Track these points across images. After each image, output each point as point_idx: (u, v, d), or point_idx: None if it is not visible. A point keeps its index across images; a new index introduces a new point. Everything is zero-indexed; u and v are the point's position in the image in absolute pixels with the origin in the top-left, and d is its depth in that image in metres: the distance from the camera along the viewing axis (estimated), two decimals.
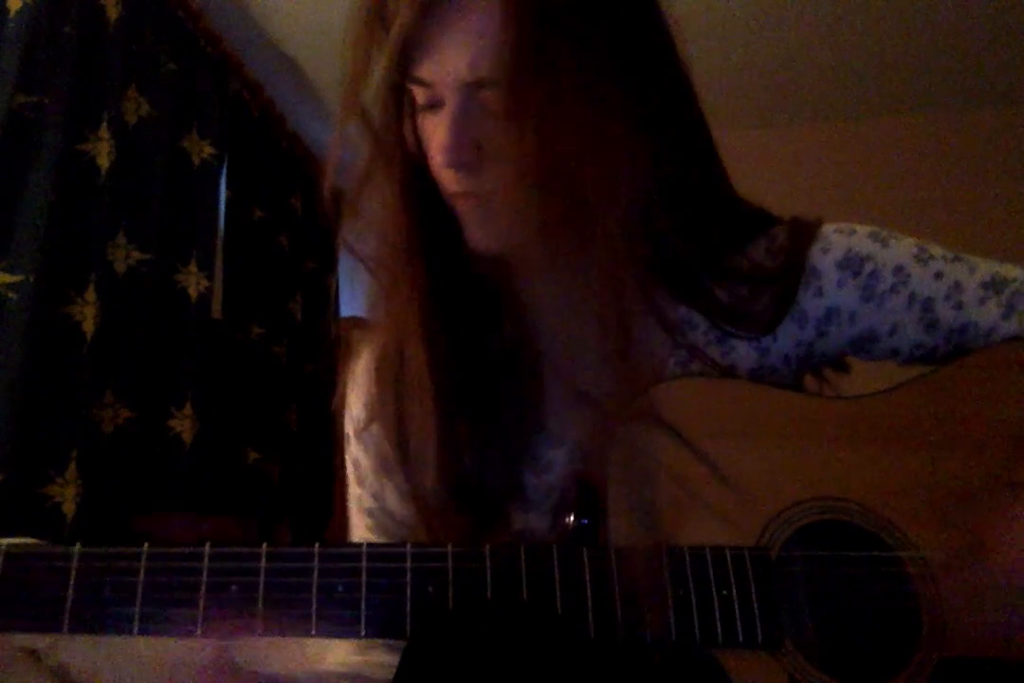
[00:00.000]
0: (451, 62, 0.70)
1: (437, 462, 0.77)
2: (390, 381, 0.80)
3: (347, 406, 0.89)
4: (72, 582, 0.63)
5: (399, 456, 0.80)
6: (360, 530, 0.88)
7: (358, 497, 0.89)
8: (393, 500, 0.86)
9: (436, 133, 0.74)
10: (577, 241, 0.72)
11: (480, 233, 0.76)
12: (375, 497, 0.87)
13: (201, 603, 0.63)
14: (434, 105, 0.74)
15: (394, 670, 0.85)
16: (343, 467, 0.92)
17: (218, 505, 2.15)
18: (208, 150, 2.20)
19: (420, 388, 0.77)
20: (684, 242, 0.78)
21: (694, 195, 0.79)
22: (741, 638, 0.64)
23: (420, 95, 0.75)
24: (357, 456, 0.88)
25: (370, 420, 0.84)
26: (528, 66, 0.69)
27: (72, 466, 1.62)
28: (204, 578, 0.64)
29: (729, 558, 0.66)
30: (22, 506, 1.52)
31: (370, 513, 0.87)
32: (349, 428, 0.88)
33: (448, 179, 0.75)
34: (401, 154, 0.78)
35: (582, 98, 0.71)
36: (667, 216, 0.77)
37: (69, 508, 1.60)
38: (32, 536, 1.27)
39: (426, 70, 0.72)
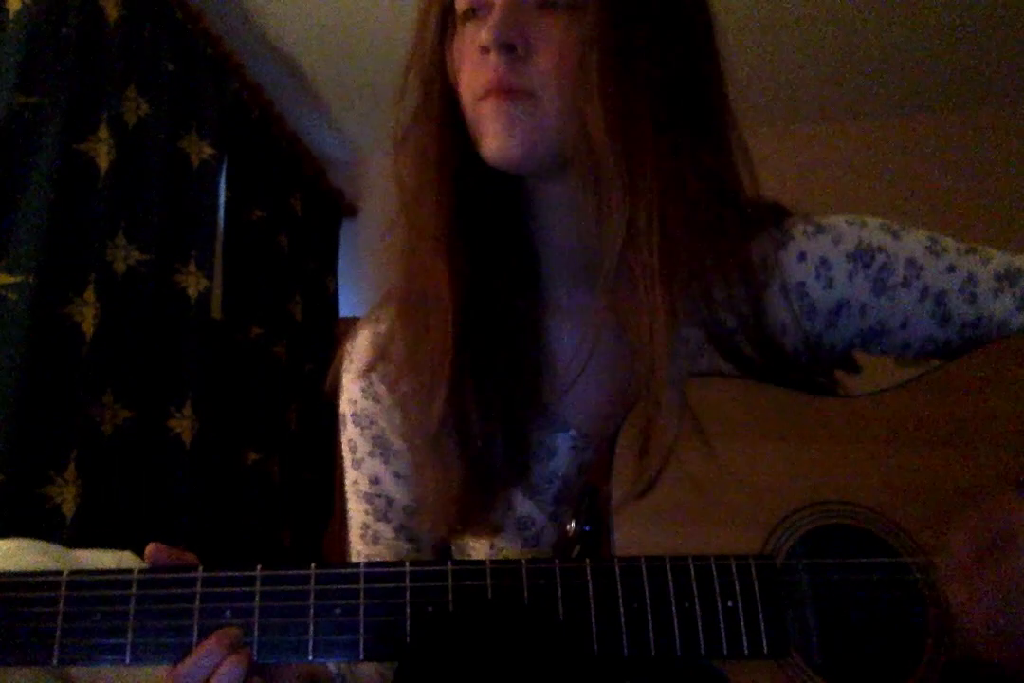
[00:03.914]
0: None
1: (444, 401, 0.74)
2: (410, 311, 0.77)
3: (342, 386, 0.87)
4: (60, 612, 0.61)
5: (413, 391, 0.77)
6: (359, 516, 0.87)
7: (354, 481, 0.87)
8: (391, 484, 0.85)
9: (479, 30, 0.71)
10: (624, 155, 0.69)
11: (506, 137, 0.71)
12: (372, 481, 0.85)
13: (195, 630, 0.61)
14: (479, 9, 0.72)
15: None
16: (343, 466, 0.90)
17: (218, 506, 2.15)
18: (207, 150, 2.20)
19: (439, 316, 0.74)
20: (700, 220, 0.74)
21: (706, 174, 0.76)
22: (746, 650, 0.63)
23: (465, 0, 0.73)
24: (353, 438, 0.86)
25: (377, 360, 0.82)
26: None
27: (72, 466, 1.62)
28: (197, 604, 0.62)
29: (734, 568, 0.65)
30: (22, 506, 1.52)
31: (368, 498, 0.86)
32: (345, 409, 0.87)
33: (483, 74, 0.71)
34: (440, 76, 0.75)
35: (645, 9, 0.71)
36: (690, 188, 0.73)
37: (69, 508, 1.60)
38: (32, 537, 1.27)
39: None
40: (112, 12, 1.86)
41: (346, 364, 0.87)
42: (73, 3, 1.75)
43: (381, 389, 0.83)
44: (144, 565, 0.65)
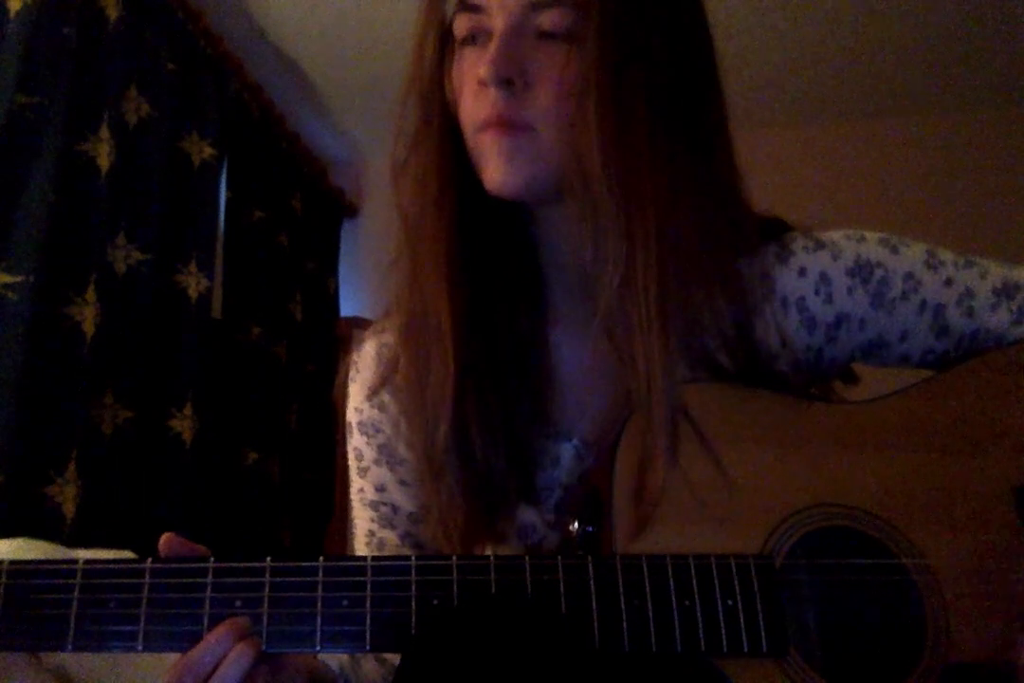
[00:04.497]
0: None
1: (449, 422, 0.75)
2: (413, 339, 0.78)
3: (348, 395, 0.87)
4: (75, 598, 0.62)
5: (416, 410, 0.77)
6: (364, 523, 0.87)
7: (360, 489, 0.88)
8: (397, 492, 0.85)
9: (479, 59, 0.72)
10: (620, 187, 0.69)
11: (506, 170, 0.72)
12: (378, 488, 0.86)
13: (205, 619, 0.62)
14: (477, 35, 0.73)
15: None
16: (343, 466, 0.91)
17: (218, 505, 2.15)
18: (208, 150, 2.20)
19: (440, 345, 0.75)
20: (701, 237, 0.75)
21: (706, 189, 0.76)
22: (746, 647, 0.64)
23: (464, 26, 0.73)
24: (359, 446, 0.87)
25: (385, 376, 0.82)
26: None
27: (72, 466, 1.62)
28: (208, 593, 0.63)
29: (734, 567, 0.65)
30: (22, 506, 1.52)
31: (374, 506, 0.86)
32: (351, 417, 0.87)
33: (483, 107, 0.72)
34: (439, 101, 0.76)
35: (644, 31, 0.71)
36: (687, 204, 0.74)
37: (69, 508, 1.60)
38: (32, 537, 1.27)
39: None
40: (112, 12, 1.86)
41: (352, 373, 0.87)
42: (73, 3, 1.75)
43: (387, 398, 0.84)
44: None
